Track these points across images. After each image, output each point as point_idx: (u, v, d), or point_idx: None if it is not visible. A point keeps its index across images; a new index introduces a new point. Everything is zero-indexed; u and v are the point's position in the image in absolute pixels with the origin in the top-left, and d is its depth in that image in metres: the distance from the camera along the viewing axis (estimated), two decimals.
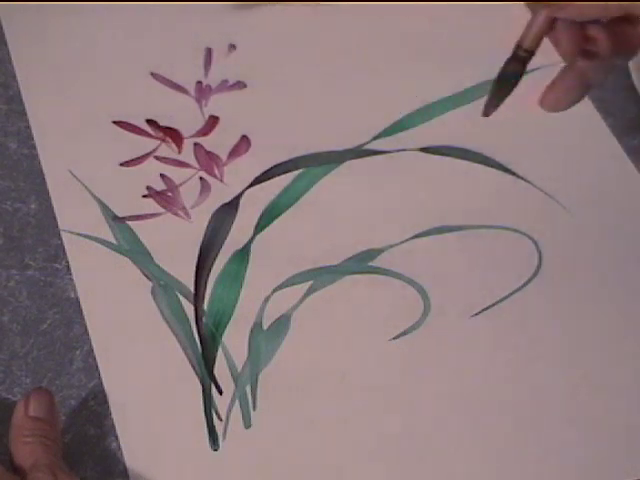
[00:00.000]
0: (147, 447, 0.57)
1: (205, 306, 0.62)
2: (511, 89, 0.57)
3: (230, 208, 0.66)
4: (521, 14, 0.77)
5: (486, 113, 0.58)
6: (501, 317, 0.63)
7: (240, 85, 0.72)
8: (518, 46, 0.56)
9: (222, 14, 0.76)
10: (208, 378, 0.59)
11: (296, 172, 0.68)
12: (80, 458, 0.56)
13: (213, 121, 0.70)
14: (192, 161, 0.68)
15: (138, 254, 0.64)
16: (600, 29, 0.55)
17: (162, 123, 0.69)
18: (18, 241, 0.64)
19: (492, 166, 0.69)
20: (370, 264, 0.64)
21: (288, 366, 0.60)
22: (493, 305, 0.63)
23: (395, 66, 0.73)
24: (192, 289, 0.62)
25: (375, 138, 0.69)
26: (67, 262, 0.63)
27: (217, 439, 0.57)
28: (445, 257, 0.65)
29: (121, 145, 0.68)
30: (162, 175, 0.67)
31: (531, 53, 0.56)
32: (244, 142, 0.69)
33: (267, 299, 0.62)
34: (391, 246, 0.65)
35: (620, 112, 0.73)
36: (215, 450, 0.57)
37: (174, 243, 0.64)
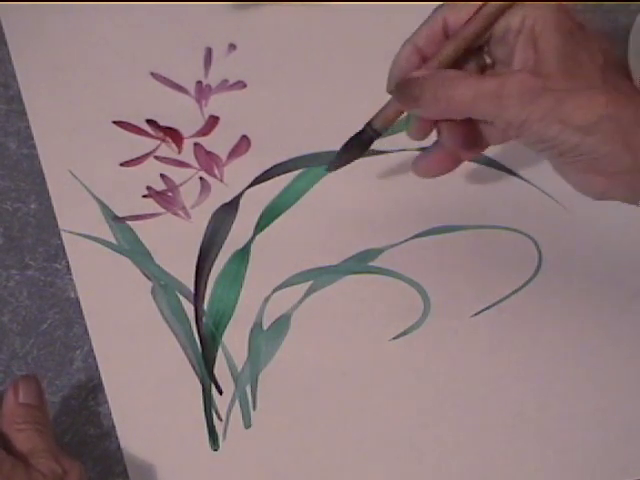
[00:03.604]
0: (147, 447, 0.57)
1: (205, 306, 0.62)
2: (355, 157, 0.61)
3: (230, 208, 0.66)
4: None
5: (329, 169, 0.62)
6: (501, 317, 0.63)
7: (240, 85, 0.72)
8: (368, 124, 0.59)
9: (222, 14, 0.76)
10: (208, 378, 0.59)
11: (296, 172, 0.68)
12: (80, 458, 0.56)
13: (213, 121, 0.70)
14: (192, 161, 0.68)
15: (138, 254, 0.64)
16: (444, 126, 0.58)
17: (162, 123, 0.69)
18: (18, 241, 0.64)
19: (492, 166, 0.69)
20: (370, 264, 0.64)
21: (288, 366, 0.60)
22: (493, 305, 0.63)
23: None
24: (192, 289, 0.62)
25: None
26: (67, 262, 0.63)
27: (217, 439, 0.57)
28: (445, 257, 0.65)
29: (121, 145, 0.68)
30: (162, 175, 0.67)
31: (378, 134, 0.59)
32: (244, 142, 0.69)
33: (267, 299, 0.62)
34: (391, 246, 0.65)
35: None
36: (215, 450, 0.57)
37: (174, 243, 0.64)
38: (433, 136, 0.61)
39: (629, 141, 0.52)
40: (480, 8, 0.55)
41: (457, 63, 0.57)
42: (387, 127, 0.59)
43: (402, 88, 0.57)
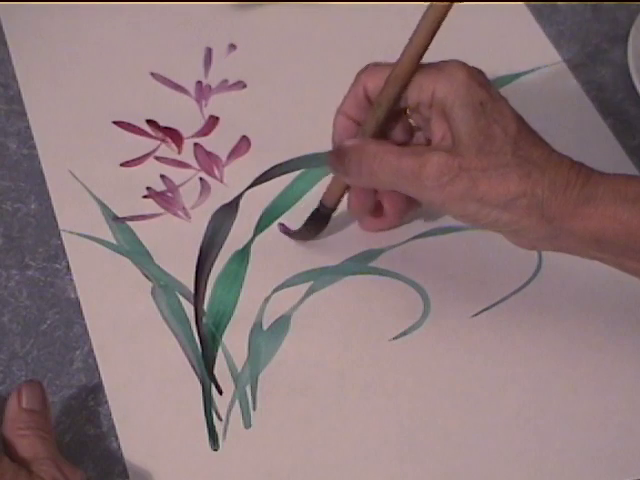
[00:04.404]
0: (147, 447, 0.57)
1: (205, 306, 0.62)
2: (315, 234, 0.64)
3: (230, 208, 0.66)
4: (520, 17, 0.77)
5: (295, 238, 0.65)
6: (501, 317, 0.63)
7: (240, 85, 0.72)
8: (321, 203, 0.63)
9: (222, 14, 0.76)
10: (208, 378, 0.59)
11: (296, 172, 0.68)
12: (80, 458, 0.56)
13: (213, 121, 0.70)
14: (192, 161, 0.68)
15: (138, 254, 0.64)
16: (385, 200, 0.63)
17: (162, 123, 0.69)
18: (18, 241, 0.64)
19: None
20: (370, 264, 0.64)
21: (288, 366, 0.60)
22: (493, 305, 0.63)
23: None
24: (192, 289, 0.62)
25: None
26: (67, 262, 0.63)
27: (217, 439, 0.57)
28: (445, 257, 0.65)
29: (121, 145, 0.68)
30: (162, 176, 0.67)
31: (332, 209, 0.63)
32: (244, 142, 0.69)
33: (267, 299, 0.62)
34: (391, 246, 0.65)
35: (620, 112, 0.73)
36: (215, 450, 0.57)
37: (174, 243, 0.64)
38: None
39: (545, 213, 0.54)
40: (390, 73, 0.57)
41: (383, 128, 0.59)
42: (337, 202, 0.63)
43: (333, 158, 0.60)
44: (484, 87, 0.56)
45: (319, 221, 0.64)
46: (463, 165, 0.54)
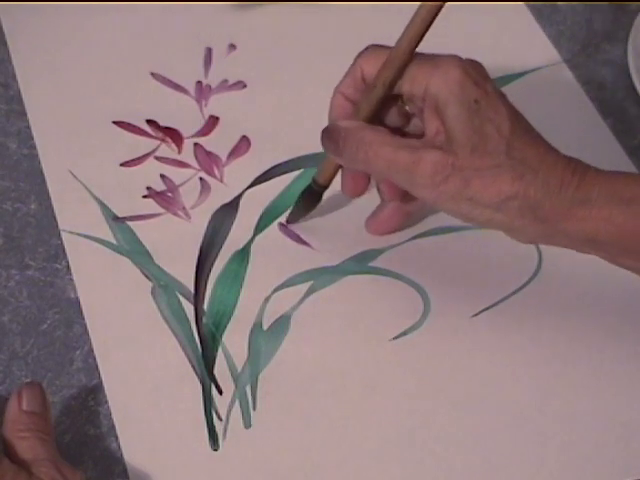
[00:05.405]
0: (147, 447, 0.57)
1: (205, 306, 0.62)
2: (309, 211, 0.65)
3: (230, 208, 0.66)
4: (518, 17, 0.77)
5: (288, 221, 0.65)
6: (501, 317, 0.63)
7: (240, 85, 0.72)
8: (314, 180, 0.63)
9: (222, 14, 0.76)
10: (208, 378, 0.59)
11: (296, 172, 0.68)
12: (80, 458, 0.56)
13: (213, 121, 0.70)
14: (192, 161, 0.68)
15: (138, 254, 0.64)
16: (382, 184, 0.62)
17: (162, 123, 0.69)
18: (18, 241, 0.64)
19: None
20: (370, 264, 0.64)
21: (288, 366, 0.60)
22: (493, 305, 0.63)
23: None
24: (192, 289, 0.62)
25: None
26: (67, 262, 0.63)
27: (217, 439, 0.57)
28: (445, 257, 0.65)
29: (121, 145, 0.68)
30: (162, 175, 0.67)
31: (324, 187, 0.63)
32: (244, 142, 0.69)
33: (267, 299, 0.62)
34: (391, 246, 0.65)
35: (620, 112, 0.73)
36: (215, 450, 0.57)
37: (174, 243, 0.64)
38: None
39: (538, 214, 0.54)
40: (387, 58, 0.56)
41: (380, 112, 0.58)
42: (330, 180, 0.62)
43: (327, 136, 0.59)
44: (479, 84, 0.55)
45: (311, 199, 0.64)
46: (456, 164, 0.54)
